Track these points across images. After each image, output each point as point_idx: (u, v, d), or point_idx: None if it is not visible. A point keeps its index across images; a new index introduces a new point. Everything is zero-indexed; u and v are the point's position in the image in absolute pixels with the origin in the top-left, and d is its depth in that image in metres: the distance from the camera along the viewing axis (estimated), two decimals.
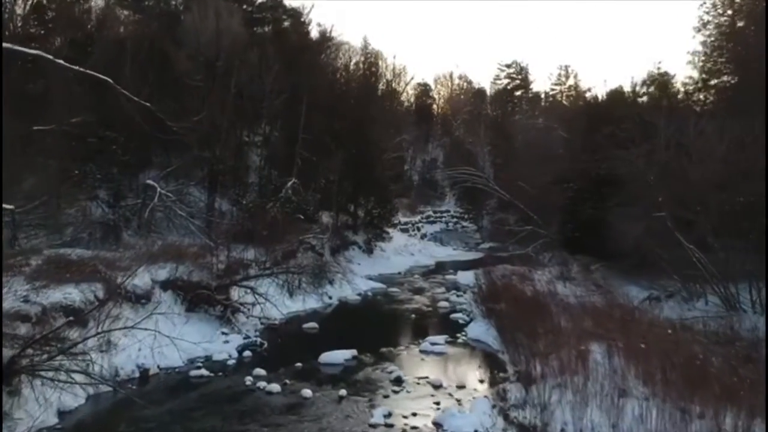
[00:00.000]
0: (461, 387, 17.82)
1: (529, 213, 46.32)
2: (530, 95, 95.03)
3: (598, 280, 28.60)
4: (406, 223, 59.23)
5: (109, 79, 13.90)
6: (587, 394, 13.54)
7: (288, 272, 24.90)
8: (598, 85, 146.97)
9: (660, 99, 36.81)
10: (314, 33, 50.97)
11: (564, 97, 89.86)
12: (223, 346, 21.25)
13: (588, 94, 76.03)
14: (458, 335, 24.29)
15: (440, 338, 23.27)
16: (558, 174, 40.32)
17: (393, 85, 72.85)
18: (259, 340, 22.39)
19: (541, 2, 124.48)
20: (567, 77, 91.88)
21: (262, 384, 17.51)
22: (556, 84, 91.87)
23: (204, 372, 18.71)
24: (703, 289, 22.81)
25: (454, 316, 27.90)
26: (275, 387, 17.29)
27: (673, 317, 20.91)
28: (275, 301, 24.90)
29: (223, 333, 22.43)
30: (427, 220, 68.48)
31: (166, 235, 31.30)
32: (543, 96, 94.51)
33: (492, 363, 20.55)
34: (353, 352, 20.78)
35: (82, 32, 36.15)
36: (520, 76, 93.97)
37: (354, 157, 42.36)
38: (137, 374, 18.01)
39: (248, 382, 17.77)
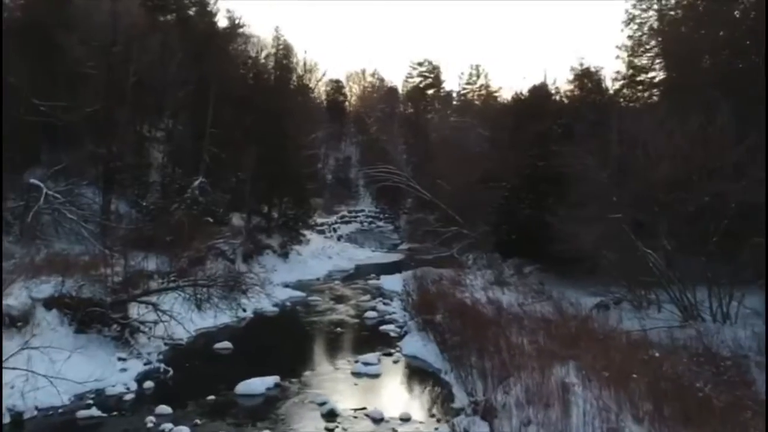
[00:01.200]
0: (406, 420, 15.15)
1: (450, 213, 44.42)
2: (442, 94, 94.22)
3: (537, 285, 26.62)
4: (321, 224, 56.37)
5: None
6: None
7: (196, 285, 21.63)
8: (512, 83, 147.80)
9: (591, 93, 35.33)
10: (222, 23, 47.47)
11: (475, 97, 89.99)
12: (120, 375, 17.82)
13: (502, 93, 75.73)
14: (392, 351, 21.65)
15: (373, 356, 20.59)
16: (484, 173, 38.40)
17: (304, 80, 69.85)
18: (162, 366, 19.01)
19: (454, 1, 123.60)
20: (478, 77, 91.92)
21: (167, 426, 14.31)
22: (467, 83, 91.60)
23: (95, 412, 15.30)
24: (656, 296, 21.03)
25: (384, 327, 25.27)
26: (183, 430, 14.16)
27: (632, 328, 18.93)
28: (181, 318, 21.55)
29: (120, 359, 18.97)
30: (342, 221, 65.91)
31: (53, 243, 27.43)
32: (455, 95, 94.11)
33: (437, 387, 18.01)
34: (275, 378, 17.79)
35: None
36: (432, 75, 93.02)
37: (268, 153, 39.16)
38: (7, 419, 14.45)
39: (150, 424, 14.53)
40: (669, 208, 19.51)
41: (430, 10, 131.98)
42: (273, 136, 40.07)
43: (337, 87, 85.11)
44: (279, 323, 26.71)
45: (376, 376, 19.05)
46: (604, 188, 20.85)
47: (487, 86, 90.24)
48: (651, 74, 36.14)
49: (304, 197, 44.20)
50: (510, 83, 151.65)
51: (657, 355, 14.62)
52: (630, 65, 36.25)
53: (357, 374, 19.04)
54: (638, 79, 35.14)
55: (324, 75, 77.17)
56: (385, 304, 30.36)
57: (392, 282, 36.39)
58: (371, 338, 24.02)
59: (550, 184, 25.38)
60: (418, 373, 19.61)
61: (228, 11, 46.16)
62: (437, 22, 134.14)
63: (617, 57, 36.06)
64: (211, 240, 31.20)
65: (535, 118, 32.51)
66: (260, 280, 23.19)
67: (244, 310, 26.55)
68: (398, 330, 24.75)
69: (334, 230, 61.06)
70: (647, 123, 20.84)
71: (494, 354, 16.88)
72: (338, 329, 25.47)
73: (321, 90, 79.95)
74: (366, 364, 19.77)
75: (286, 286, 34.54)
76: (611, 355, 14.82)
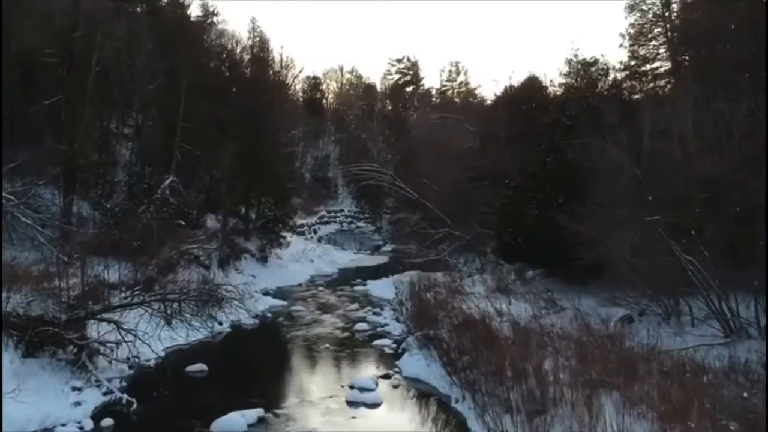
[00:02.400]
0: None
1: (438, 213, 41.86)
2: (422, 91, 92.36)
3: (545, 293, 24.10)
4: (301, 226, 53.49)
5: None
6: None
7: (165, 300, 18.79)
8: (491, 80, 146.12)
9: (597, 83, 33.00)
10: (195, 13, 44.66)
11: (455, 94, 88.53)
12: (72, 411, 15.00)
13: (481, 90, 73.80)
14: (390, 372, 19.07)
15: (369, 380, 18.04)
16: (477, 170, 35.89)
17: (281, 77, 67.05)
18: (125, 396, 16.16)
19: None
20: (458, 74, 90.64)
21: None
22: (447, 80, 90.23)
23: None
24: (689, 307, 18.60)
25: (378, 343, 22.62)
26: None
27: (672, 346, 16.47)
28: (149, 337, 18.69)
29: (74, 388, 16.16)
30: (321, 221, 63.25)
31: (5, 250, 24.38)
32: (434, 92, 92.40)
33: (450, 420, 15.38)
34: (258, 411, 15.14)
35: None
36: (411, 72, 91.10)
37: (245, 149, 36.33)
38: None
39: None
40: (711, 209, 17.10)
41: (407, 7, 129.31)
42: (250, 132, 37.24)
43: (314, 84, 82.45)
44: (259, 338, 23.95)
45: (375, 405, 16.40)
46: (635, 186, 18.33)
47: (466, 83, 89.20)
48: (656, 64, 34.12)
49: (284, 197, 41.26)
50: (489, 81, 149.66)
51: (746, 395, 11.98)
52: (633, 55, 34.13)
53: (353, 403, 16.40)
54: (644, 69, 32.98)
55: (301, 71, 74.50)
56: (375, 314, 27.74)
57: (381, 287, 33.82)
58: (364, 356, 21.45)
59: (561, 181, 22.88)
60: (423, 401, 16.96)
61: None
62: (414, 18, 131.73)
63: (620, 45, 33.99)
64: (184, 245, 28.39)
65: (534, 111, 30.01)
66: (239, 292, 20.38)
67: (220, 324, 23.72)
68: (394, 346, 22.12)
69: (315, 232, 58.29)
70: (683, 112, 18.31)
71: (518, 380, 14.37)
72: (326, 345, 22.73)
73: (297, 87, 77.31)
74: (362, 389, 17.19)
75: (266, 293, 31.88)
76: (666, 384, 12.34)
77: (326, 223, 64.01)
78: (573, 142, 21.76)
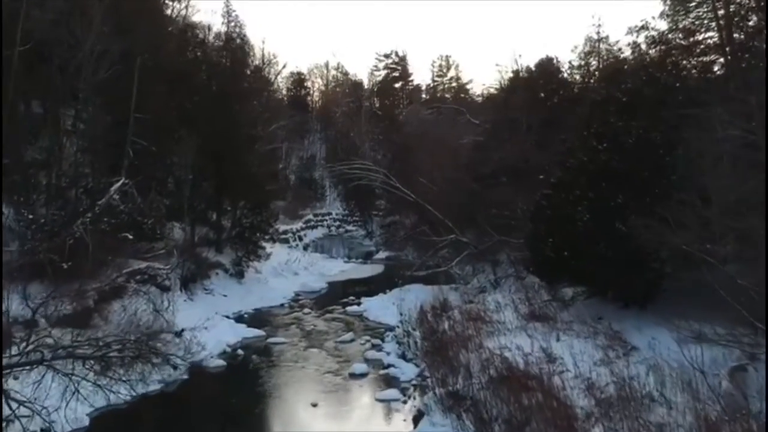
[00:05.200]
0: None
1: (439, 216, 36.21)
2: (411, 87, 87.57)
3: (599, 323, 18.37)
4: (284, 232, 47.61)
5: None
6: None
7: (73, 357, 12.86)
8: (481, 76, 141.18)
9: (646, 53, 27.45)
10: None
11: (446, 89, 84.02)
12: None
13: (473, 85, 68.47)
14: None
15: None
16: (493, 166, 30.31)
17: (263, 73, 61.40)
18: None
19: None
20: (448, 68, 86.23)
21: None
22: (438, 75, 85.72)
23: None
24: None
25: (383, 395, 16.83)
26: None
27: None
28: (56, 406, 12.95)
29: None
30: (308, 226, 57.57)
31: None
32: (424, 87, 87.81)
33: None
34: None
35: None
36: (399, 67, 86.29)
37: (216, 146, 30.44)
38: None
39: None
40: None
41: (392, 0, 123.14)
42: (221, 125, 31.31)
43: (299, 80, 77.13)
44: (225, 390, 17.89)
45: None
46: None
47: (458, 78, 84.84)
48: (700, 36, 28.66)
49: (263, 201, 35.23)
50: (482, 73, 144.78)
51: None
52: (675, 26, 28.72)
53: None
54: (692, 40, 27.54)
55: (284, 67, 69.30)
56: (375, 347, 21.95)
57: (379, 307, 28.17)
58: (366, 419, 15.72)
59: (622, 175, 17.21)
60: None
61: None
62: (400, 12, 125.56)
63: (661, 14, 28.57)
64: (131, 264, 22.60)
65: (567, 92, 24.39)
66: (185, 342, 14.53)
67: (175, 368, 17.95)
68: (405, 401, 16.41)
69: (300, 239, 52.42)
70: None
71: None
72: (314, 400, 16.76)
73: (281, 85, 71.97)
74: None
75: (240, 318, 26.35)
76: None
77: (313, 227, 58.46)
78: (635, 124, 16.12)
